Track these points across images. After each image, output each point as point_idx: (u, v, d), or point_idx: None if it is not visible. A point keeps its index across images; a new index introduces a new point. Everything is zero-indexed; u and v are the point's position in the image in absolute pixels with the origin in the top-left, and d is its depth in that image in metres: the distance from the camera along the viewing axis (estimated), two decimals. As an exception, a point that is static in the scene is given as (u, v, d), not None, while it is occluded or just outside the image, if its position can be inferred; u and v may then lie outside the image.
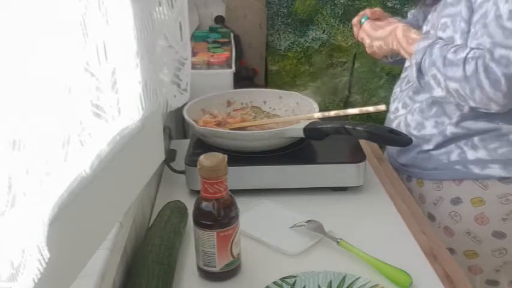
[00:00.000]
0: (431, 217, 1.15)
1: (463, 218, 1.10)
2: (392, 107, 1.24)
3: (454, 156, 1.10)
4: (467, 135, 1.08)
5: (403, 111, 1.19)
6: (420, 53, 1.04)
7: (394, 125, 1.19)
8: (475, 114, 1.06)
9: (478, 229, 1.10)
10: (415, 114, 1.15)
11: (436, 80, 1.02)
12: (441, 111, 1.11)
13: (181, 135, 1.59)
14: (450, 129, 1.09)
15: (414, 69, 1.05)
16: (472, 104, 0.99)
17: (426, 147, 1.13)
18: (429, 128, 1.13)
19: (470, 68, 0.96)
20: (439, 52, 1.01)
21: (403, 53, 1.11)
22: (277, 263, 0.84)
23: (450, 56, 0.99)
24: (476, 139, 1.08)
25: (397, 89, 1.24)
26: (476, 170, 1.08)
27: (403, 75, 1.24)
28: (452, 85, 0.99)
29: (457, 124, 1.08)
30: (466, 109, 1.06)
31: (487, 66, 0.94)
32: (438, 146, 1.12)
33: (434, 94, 1.05)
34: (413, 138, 1.12)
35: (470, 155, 1.08)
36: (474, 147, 1.08)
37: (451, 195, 1.11)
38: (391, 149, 1.26)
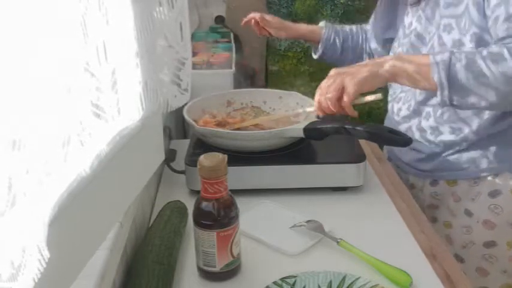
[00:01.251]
0: (468, 213, 1.13)
1: (504, 210, 1.09)
2: (394, 107, 1.22)
3: (485, 155, 1.09)
4: (493, 136, 1.07)
5: (410, 114, 1.16)
6: (444, 63, 0.92)
7: (403, 128, 1.16)
8: (493, 119, 1.05)
9: None
10: (430, 120, 1.12)
11: (479, 83, 0.91)
12: (455, 117, 1.08)
13: (181, 135, 1.59)
14: (472, 137, 1.08)
15: (443, 81, 0.92)
16: None
17: (451, 151, 1.12)
18: (446, 134, 1.11)
19: None
20: (468, 55, 0.93)
21: (412, 73, 0.96)
22: (277, 263, 0.84)
23: (486, 52, 0.91)
24: (503, 137, 1.07)
25: (396, 90, 1.22)
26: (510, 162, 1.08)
27: None
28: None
29: (477, 132, 1.07)
30: (485, 115, 1.05)
31: None
32: (464, 150, 1.11)
33: (482, 105, 0.94)
34: (432, 144, 1.12)
35: (502, 152, 1.08)
36: (505, 144, 1.08)
37: (489, 188, 1.10)
38: (399, 155, 1.24)
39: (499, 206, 1.09)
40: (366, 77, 0.97)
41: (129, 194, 0.66)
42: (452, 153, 1.12)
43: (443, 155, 1.13)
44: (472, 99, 0.92)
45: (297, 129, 1.04)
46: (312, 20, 2.42)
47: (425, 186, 1.19)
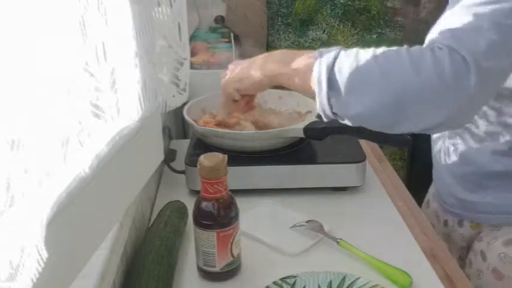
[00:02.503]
0: (482, 256, 1.02)
1: None
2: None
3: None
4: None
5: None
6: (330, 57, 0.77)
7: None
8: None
9: None
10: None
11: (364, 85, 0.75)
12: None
13: (181, 135, 1.59)
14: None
15: (323, 79, 0.76)
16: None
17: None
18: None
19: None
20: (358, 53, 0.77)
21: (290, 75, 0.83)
22: (277, 263, 0.84)
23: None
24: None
25: None
26: None
27: None
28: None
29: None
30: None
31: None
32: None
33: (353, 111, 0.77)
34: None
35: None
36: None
37: (506, 236, 0.99)
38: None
39: (509, 256, 0.97)
40: (240, 78, 0.90)
41: (128, 194, 0.66)
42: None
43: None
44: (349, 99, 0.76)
45: (297, 129, 1.04)
46: (312, 20, 2.42)
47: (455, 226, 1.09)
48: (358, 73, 0.74)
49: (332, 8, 2.40)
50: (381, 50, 0.76)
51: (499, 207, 0.99)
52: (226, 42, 2.03)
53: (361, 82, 0.75)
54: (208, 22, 2.25)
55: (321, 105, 0.79)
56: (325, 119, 0.83)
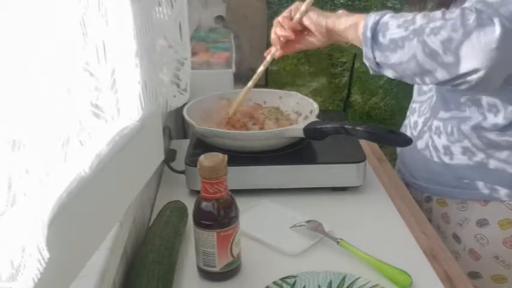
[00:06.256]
0: (456, 238, 1.08)
1: (490, 241, 1.03)
2: (411, 120, 1.16)
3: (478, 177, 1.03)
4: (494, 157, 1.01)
5: (424, 128, 1.10)
6: (377, 13, 0.93)
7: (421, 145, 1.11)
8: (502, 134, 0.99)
9: (507, 253, 1.03)
10: (442, 137, 1.05)
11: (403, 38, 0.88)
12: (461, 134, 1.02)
13: (181, 135, 1.59)
14: (481, 157, 1.02)
15: (368, 30, 0.91)
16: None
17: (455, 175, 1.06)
18: (458, 155, 1.03)
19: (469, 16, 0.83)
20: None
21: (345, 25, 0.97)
22: (277, 263, 0.84)
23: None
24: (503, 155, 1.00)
25: (415, 104, 1.16)
26: (503, 190, 1.01)
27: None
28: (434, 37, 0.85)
29: (487, 152, 1.01)
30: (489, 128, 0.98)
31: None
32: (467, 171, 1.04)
33: (392, 61, 0.91)
34: (443, 166, 1.05)
35: (495, 175, 1.01)
36: (499, 167, 1.01)
37: (477, 216, 1.04)
38: (408, 169, 1.18)
39: (485, 237, 1.03)
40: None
41: (128, 194, 0.66)
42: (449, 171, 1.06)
43: (448, 178, 1.06)
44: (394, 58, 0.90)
45: (297, 129, 1.04)
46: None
47: (422, 201, 1.14)
48: (398, 27, 0.89)
49: (332, 7, 2.41)
50: (422, 12, 0.89)
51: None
52: (226, 42, 2.03)
53: (400, 36, 0.88)
54: (208, 22, 2.25)
55: (366, 55, 0.93)
56: (370, 71, 0.97)
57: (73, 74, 0.50)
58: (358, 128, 0.97)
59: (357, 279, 0.78)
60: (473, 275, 1.06)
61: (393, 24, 0.90)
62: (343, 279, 0.78)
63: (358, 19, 0.95)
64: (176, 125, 1.55)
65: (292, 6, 1.06)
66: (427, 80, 0.90)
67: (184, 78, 0.69)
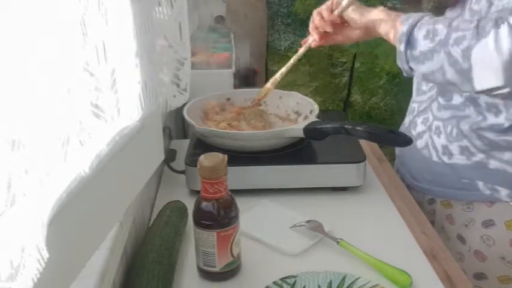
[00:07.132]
0: (461, 239, 1.07)
1: (496, 242, 1.03)
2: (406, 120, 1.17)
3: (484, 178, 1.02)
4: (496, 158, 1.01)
5: (424, 128, 1.10)
6: (412, 17, 0.92)
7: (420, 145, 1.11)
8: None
9: None
10: (441, 136, 1.05)
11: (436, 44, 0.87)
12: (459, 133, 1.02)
13: (181, 135, 1.59)
14: (480, 157, 1.01)
15: (404, 35, 0.91)
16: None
17: (457, 175, 1.05)
18: (457, 155, 1.03)
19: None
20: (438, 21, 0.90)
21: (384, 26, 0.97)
22: (277, 263, 0.84)
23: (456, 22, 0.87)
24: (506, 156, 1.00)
25: (414, 104, 1.16)
26: (504, 191, 1.01)
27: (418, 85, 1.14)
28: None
29: (487, 152, 1.00)
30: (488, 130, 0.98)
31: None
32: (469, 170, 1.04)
33: (422, 70, 0.92)
34: (444, 167, 1.05)
35: (496, 175, 1.00)
36: (500, 167, 1.00)
37: (483, 217, 1.03)
38: (409, 171, 1.17)
39: (492, 238, 1.02)
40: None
41: (128, 194, 0.66)
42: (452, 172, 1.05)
43: (449, 179, 1.06)
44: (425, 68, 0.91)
45: (297, 129, 1.04)
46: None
47: (424, 202, 1.14)
48: (431, 35, 0.88)
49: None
50: (457, 21, 0.88)
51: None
52: (226, 42, 2.02)
53: (433, 44, 0.88)
54: (208, 22, 2.25)
55: (400, 58, 0.94)
56: (404, 74, 0.97)
57: (73, 74, 0.50)
58: (358, 128, 0.97)
59: (357, 279, 0.78)
60: (479, 276, 1.06)
61: (420, 37, 0.90)
62: (343, 279, 0.78)
63: (393, 24, 0.95)
64: (176, 125, 1.55)
65: None
66: (457, 90, 0.94)
67: (184, 78, 0.69)
